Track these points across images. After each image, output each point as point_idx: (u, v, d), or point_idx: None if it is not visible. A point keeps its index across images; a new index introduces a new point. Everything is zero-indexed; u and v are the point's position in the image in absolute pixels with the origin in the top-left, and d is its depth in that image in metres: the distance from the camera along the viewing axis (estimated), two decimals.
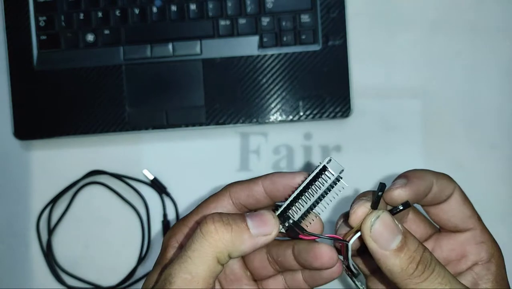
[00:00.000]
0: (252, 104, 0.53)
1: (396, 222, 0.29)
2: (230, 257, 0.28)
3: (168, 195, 0.54)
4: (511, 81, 0.54)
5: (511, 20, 0.54)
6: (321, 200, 0.31)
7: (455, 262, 0.34)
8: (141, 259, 0.54)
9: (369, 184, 0.53)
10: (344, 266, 0.32)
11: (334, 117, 0.53)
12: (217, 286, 0.34)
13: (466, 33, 0.54)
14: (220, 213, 0.29)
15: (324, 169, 0.30)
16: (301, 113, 0.53)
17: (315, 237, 0.31)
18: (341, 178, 0.30)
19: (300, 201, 0.31)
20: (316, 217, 0.31)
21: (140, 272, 0.54)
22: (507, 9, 0.54)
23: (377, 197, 0.29)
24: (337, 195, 0.31)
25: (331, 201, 0.31)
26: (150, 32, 0.54)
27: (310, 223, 0.31)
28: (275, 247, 0.33)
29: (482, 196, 0.53)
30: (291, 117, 0.53)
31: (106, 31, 0.54)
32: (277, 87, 0.53)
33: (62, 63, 0.54)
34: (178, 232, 0.33)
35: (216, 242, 0.27)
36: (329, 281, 0.32)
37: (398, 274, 0.28)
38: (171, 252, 0.32)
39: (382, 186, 0.29)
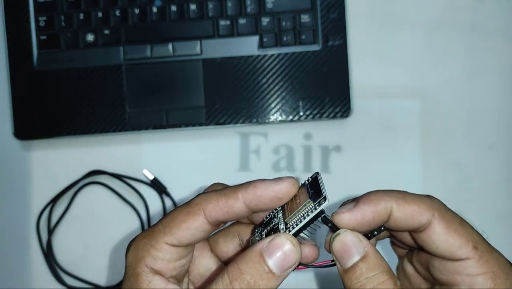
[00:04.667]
0: (252, 104, 0.53)
1: (361, 243, 0.28)
2: None
3: (168, 195, 0.54)
4: (509, 82, 0.54)
5: (510, 21, 0.54)
6: (305, 228, 0.29)
7: (445, 285, 0.31)
8: None
9: (369, 184, 0.53)
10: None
11: (334, 117, 0.53)
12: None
13: (465, 34, 0.54)
14: (239, 273, 0.27)
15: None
16: (301, 113, 0.53)
17: (305, 267, 0.30)
18: (323, 212, 0.28)
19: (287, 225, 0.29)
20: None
21: None
22: (506, 10, 0.54)
23: (330, 227, 0.29)
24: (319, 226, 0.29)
25: (315, 230, 0.29)
26: (150, 32, 0.54)
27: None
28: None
29: (479, 196, 0.53)
30: (291, 117, 0.53)
31: (106, 31, 0.54)
32: (277, 87, 0.53)
33: (62, 63, 0.54)
34: (146, 255, 0.29)
35: None
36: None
37: None
38: (146, 281, 0.28)
39: (324, 218, 0.29)
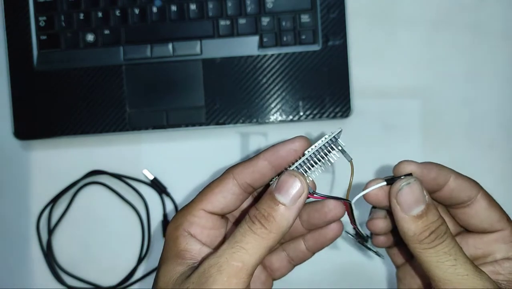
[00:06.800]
0: (252, 104, 0.53)
1: (424, 192, 0.31)
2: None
3: (168, 195, 0.54)
4: (510, 82, 0.54)
5: (510, 21, 0.54)
6: (319, 162, 0.33)
7: (481, 258, 0.34)
8: (141, 259, 0.54)
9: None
10: (354, 235, 0.37)
11: (334, 117, 0.53)
12: None
13: (466, 33, 0.54)
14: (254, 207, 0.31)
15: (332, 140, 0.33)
16: (301, 113, 0.53)
17: (322, 197, 0.33)
18: (338, 138, 0.33)
19: (303, 164, 0.32)
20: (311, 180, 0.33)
21: (140, 272, 0.54)
22: (507, 10, 0.54)
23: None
24: (334, 159, 0.33)
25: (329, 163, 0.33)
26: (150, 32, 0.54)
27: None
28: None
29: None
30: (291, 117, 0.53)
31: (106, 31, 0.54)
32: (277, 87, 0.53)
33: (62, 63, 0.54)
34: (184, 222, 0.32)
35: (267, 237, 0.29)
36: (332, 241, 0.36)
37: (410, 237, 0.31)
38: (184, 242, 0.32)
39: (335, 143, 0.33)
